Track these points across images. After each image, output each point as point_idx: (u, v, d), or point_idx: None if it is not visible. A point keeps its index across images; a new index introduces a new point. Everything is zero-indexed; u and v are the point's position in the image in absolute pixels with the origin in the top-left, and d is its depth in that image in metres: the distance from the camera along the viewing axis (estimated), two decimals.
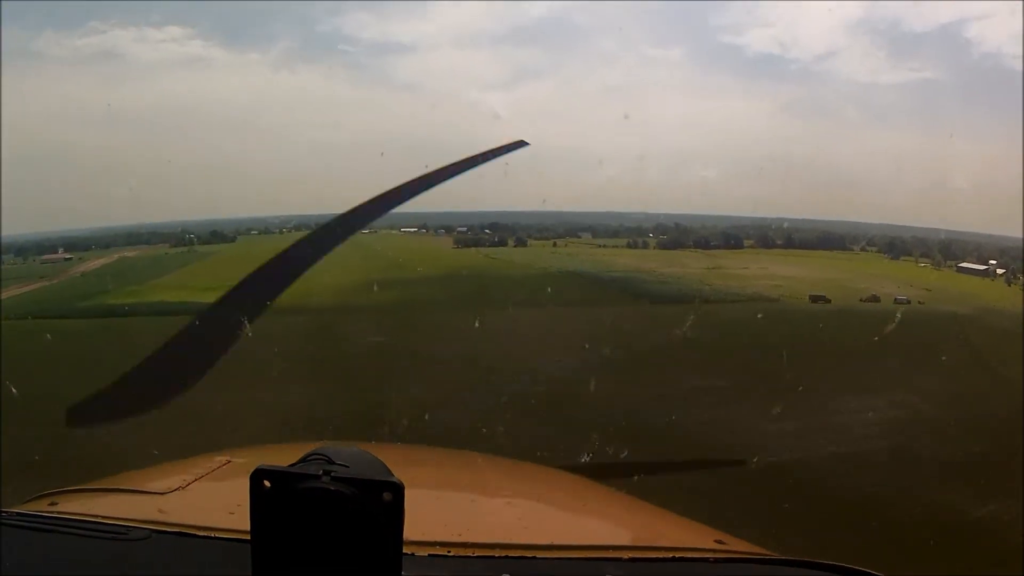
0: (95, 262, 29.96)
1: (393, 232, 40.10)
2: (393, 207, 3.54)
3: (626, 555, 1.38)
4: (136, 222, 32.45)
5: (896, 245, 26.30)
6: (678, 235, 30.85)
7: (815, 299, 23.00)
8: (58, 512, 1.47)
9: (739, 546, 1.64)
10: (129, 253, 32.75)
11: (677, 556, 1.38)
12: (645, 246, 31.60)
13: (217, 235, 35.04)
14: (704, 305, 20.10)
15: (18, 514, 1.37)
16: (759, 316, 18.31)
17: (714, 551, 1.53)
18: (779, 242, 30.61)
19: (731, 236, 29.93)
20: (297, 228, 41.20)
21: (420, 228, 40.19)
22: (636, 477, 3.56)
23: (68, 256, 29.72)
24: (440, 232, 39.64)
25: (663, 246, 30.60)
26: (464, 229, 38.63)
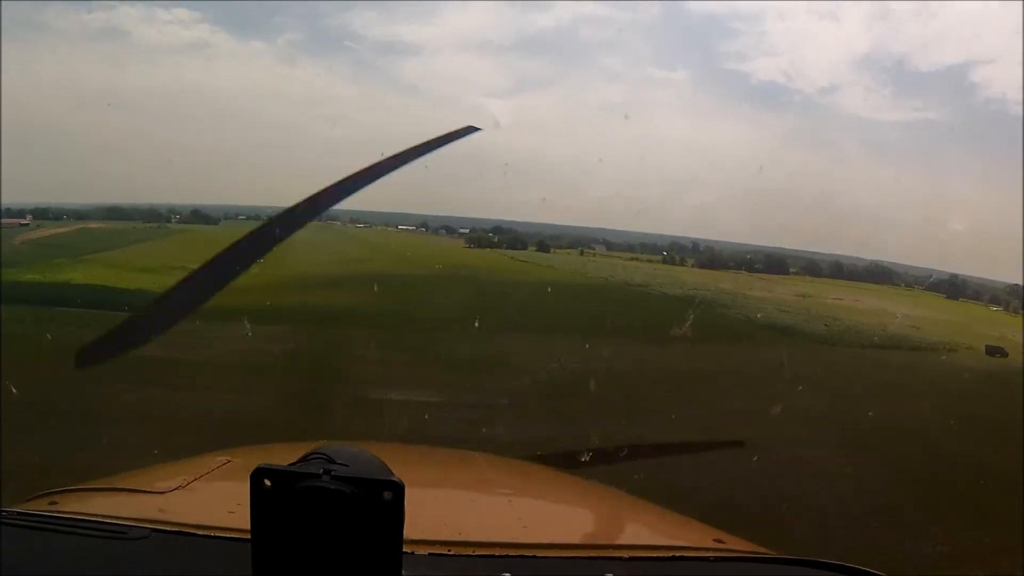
0: (49, 231, 28.76)
1: (389, 229, 39.78)
2: (345, 197, 3.39)
3: (626, 555, 1.39)
4: (130, 201, 31.82)
5: (956, 285, 23.94)
6: (710, 256, 28.07)
7: (992, 352, 18.47)
8: (58, 511, 1.48)
9: (739, 545, 1.65)
10: (94, 225, 31.24)
11: (677, 556, 1.40)
12: (682, 263, 28.70)
13: (199, 216, 32.83)
14: (890, 354, 15.85)
15: (18, 513, 1.40)
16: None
17: (714, 551, 1.55)
18: (825, 271, 28.01)
19: (774, 261, 27.22)
20: None
21: (420, 227, 38.86)
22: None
23: (26, 223, 28.60)
24: (441, 232, 38.84)
25: (702, 265, 27.81)
26: (466, 231, 36.21)
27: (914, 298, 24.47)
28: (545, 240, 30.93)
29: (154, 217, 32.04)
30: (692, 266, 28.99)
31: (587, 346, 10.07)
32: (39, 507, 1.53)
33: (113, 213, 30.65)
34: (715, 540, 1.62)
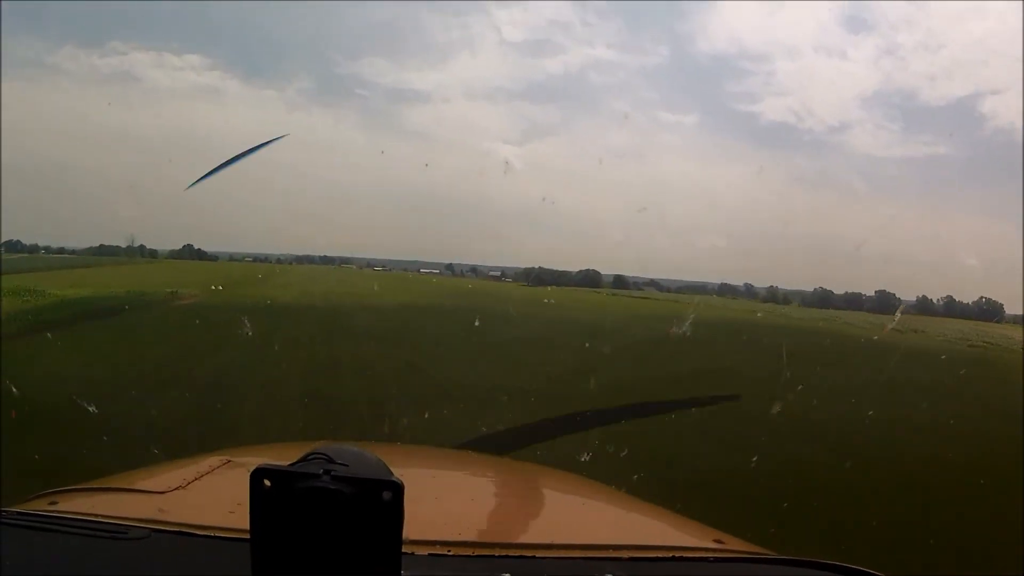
0: None
1: (409, 273, 37.88)
2: None
3: (626, 555, 1.37)
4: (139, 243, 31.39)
5: None
6: (818, 297, 25.73)
7: None
8: (58, 511, 1.48)
9: (739, 545, 1.64)
10: (48, 256, 31.54)
11: (677, 556, 1.39)
12: (786, 302, 26.42)
13: (193, 252, 31.56)
14: None
15: (18, 513, 1.40)
16: None
17: (714, 551, 1.55)
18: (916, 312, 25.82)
19: (883, 301, 24.89)
20: (299, 262, 40.55)
21: (445, 270, 37.91)
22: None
23: None
24: (469, 274, 37.30)
25: (807, 304, 25.35)
26: (497, 273, 35.55)
27: None
28: (622, 278, 28.53)
29: (135, 253, 32.02)
30: (797, 305, 26.59)
31: None
32: (39, 507, 1.56)
33: (105, 250, 30.52)
34: (715, 540, 1.63)
